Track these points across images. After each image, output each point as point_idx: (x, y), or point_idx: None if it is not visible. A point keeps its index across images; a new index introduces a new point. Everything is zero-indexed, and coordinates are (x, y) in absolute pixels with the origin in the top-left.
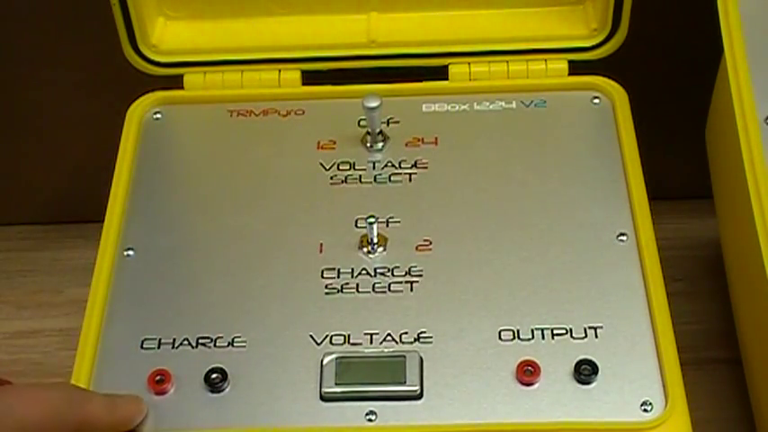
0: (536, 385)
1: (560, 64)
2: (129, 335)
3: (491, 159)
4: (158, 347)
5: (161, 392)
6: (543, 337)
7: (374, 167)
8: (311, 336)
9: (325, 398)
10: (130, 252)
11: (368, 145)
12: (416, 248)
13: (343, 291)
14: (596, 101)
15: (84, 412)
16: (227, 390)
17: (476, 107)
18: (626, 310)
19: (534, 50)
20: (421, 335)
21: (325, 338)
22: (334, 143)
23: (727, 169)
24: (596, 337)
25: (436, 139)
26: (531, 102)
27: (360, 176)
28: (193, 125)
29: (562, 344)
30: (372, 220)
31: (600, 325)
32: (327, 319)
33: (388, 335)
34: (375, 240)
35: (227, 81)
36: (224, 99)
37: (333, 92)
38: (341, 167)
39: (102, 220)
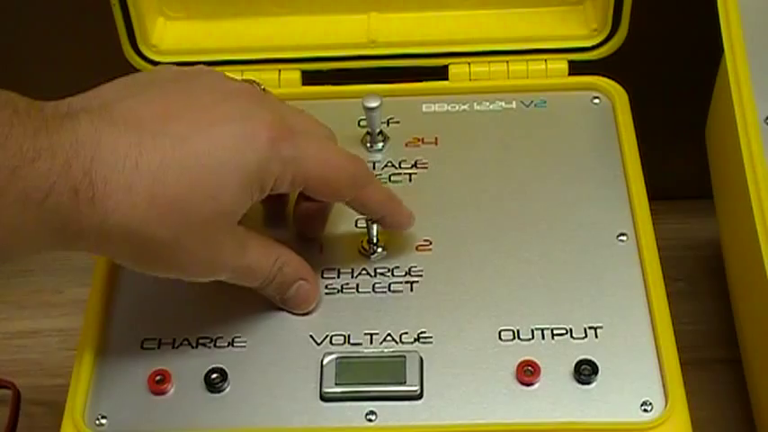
0: (536, 385)
1: (560, 64)
2: (129, 335)
3: (491, 159)
4: (158, 347)
5: (161, 392)
6: (543, 337)
7: (374, 167)
8: (311, 336)
9: (325, 398)
10: None
11: (368, 145)
12: (416, 248)
13: (343, 291)
14: (596, 101)
15: (361, 193)
16: (227, 390)
17: (476, 107)
18: (626, 310)
19: (534, 50)
20: (421, 335)
21: (325, 338)
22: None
23: (727, 169)
24: (596, 337)
25: (436, 139)
26: (531, 102)
27: None
28: None
29: (562, 344)
30: (371, 220)
31: (600, 325)
32: (327, 319)
33: (388, 335)
34: (375, 240)
35: None
36: None
37: (333, 92)
38: None
39: None
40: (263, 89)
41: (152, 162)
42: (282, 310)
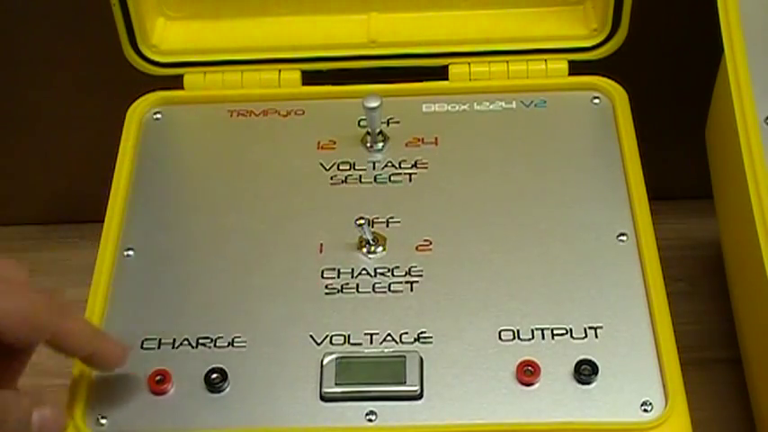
0: (536, 385)
1: (560, 64)
2: (129, 335)
3: (491, 159)
4: (158, 347)
5: (161, 392)
6: (543, 338)
7: (374, 167)
8: (311, 336)
9: (325, 398)
10: (130, 252)
11: (368, 145)
12: (416, 248)
13: (344, 291)
14: (596, 101)
15: (63, 325)
16: (227, 390)
17: (476, 107)
18: (626, 310)
19: (534, 50)
20: (421, 335)
21: (325, 338)
22: (334, 143)
23: (727, 169)
24: (596, 337)
25: (436, 139)
26: (531, 102)
27: (360, 176)
28: (193, 125)
29: (562, 344)
30: (362, 221)
31: (600, 325)
32: (327, 319)
33: (388, 335)
34: (370, 241)
35: (227, 81)
36: (224, 99)
37: (333, 92)
38: (341, 167)
39: (102, 220)
40: None
41: None
42: (282, 310)
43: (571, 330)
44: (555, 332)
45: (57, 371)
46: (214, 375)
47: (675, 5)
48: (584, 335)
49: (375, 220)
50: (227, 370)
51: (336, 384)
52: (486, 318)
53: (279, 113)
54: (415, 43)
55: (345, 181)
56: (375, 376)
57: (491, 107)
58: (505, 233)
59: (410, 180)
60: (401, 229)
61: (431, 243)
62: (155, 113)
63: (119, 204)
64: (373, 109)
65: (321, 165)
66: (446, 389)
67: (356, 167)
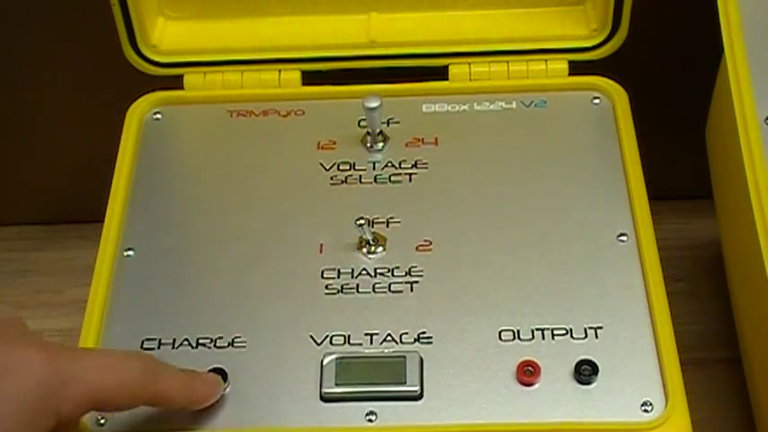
0: (536, 385)
1: (560, 64)
2: (129, 335)
3: (491, 159)
4: (158, 347)
5: None
6: (543, 338)
7: (374, 168)
8: (311, 336)
9: (325, 398)
10: (130, 252)
11: (368, 145)
12: (416, 248)
13: (344, 291)
14: (596, 101)
15: (159, 388)
16: (226, 390)
17: (476, 107)
18: (626, 310)
19: (534, 51)
20: (421, 335)
21: (325, 339)
22: (335, 143)
23: (727, 169)
24: (596, 337)
25: (436, 139)
26: (531, 102)
27: (360, 177)
28: (193, 125)
29: (562, 344)
30: (362, 222)
31: (600, 325)
32: (327, 320)
33: (389, 335)
34: (370, 241)
35: (227, 81)
36: (224, 99)
37: (333, 92)
38: (341, 168)
39: (102, 220)
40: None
41: None
42: (282, 310)
43: (571, 330)
44: (555, 332)
45: None
46: None
47: (675, 5)
48: (584, 335)
49: (375, 220)
50: (227, 370)
51: (336, 384)
52: (486, 318)
53: (279, 113)
54: (415, 43)
55: (345, 181)
56: (375, 376)
57: (491, 107)
58: (505, 233)
59: (410, 180)
60: (401, 229)
61: (431, 243)
62: (155, 113)
63: (119, 204)
64: (373, 109)
65: (321, 165)
66: (446, 389)
67: (356, 167)
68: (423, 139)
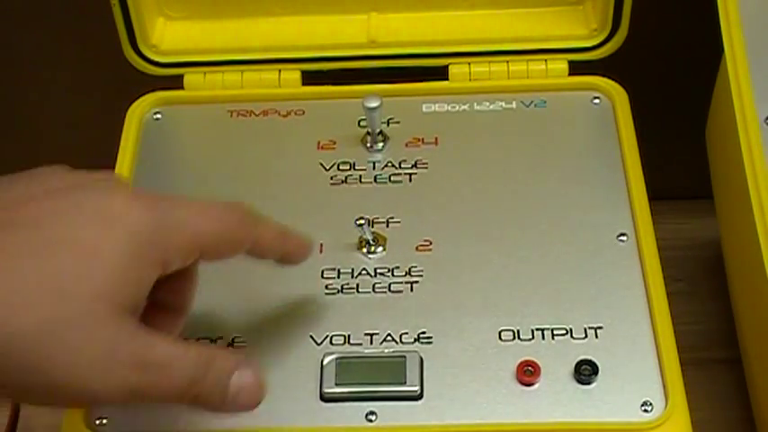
0: (536, 385)
1: (560, 64)
2: None
3: (491, 159)
4: None
5: None
6: (543, 338)
7: (374, 168)
8: (311, 336)
9: (325, 398)
10: None
11: (368, 145)
12: (416, 248)
13: (344, 291)
14: (596, 101)
15: (257, 234)
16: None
17: (476, 107)
18: (626, 310)
19: (534, 50)
20: (421, 335)
21: (325, 339)
22: (334, 143)
23: (727, 169)
24: (596, 337)
25: (436, 139)
26: (531, 102)
27: (360, 177)
28: (193, 125)
29: (562, 344)
30: (362, 221)
31: (600, 325)
32: (327, 320)
33: (389, 335)
34: (370, 241)
35: (227, 81)
36: (224, 99)
37: (333, 92)
38: (341, 168)
39: None
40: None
41: (11, 253)
42: (282, 310)
43: (571, 330)
44: (555, 332)
45: None
46: None
47: (675, 5)
48: (584, 335)
49: (375, 220)
50: None
51: (336, 384)
52: (486, 318)
53: (279, 113)
54: (415, 43)
55: (345, 181)
56: (375, 376)
57: (491, 107)
58: (505, 233)
59: (410, 180)
60: (401, 229)
61: (431, 243)
62: (155, 113)
63: None
64: (373, 109)
65: (321, 165)
66: (446, 389)
67: (356, 167)
68: (423, 139)
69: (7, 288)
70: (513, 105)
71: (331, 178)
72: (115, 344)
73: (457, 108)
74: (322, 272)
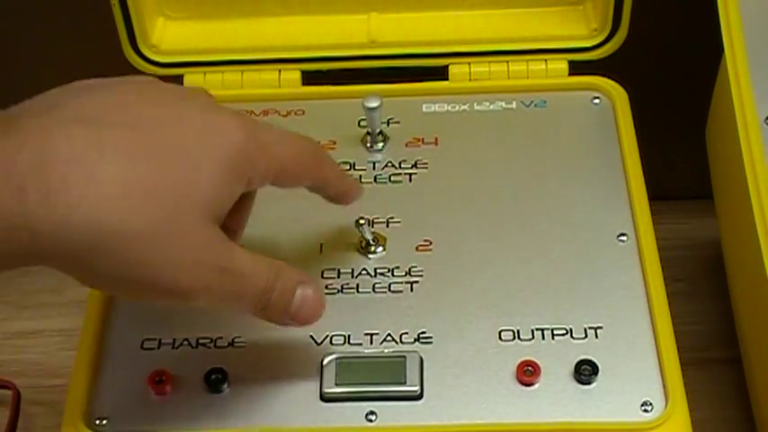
0: (536, 385)
1: (560, 64)
2: (129, 335)
3: (491, 159)
4: (158, 347)
5: (161, 393)
6: (543, 338)
7: (374, 168)
8: (311, 336)
9: (325, 398)
10: None
11: (368, 145)
12: (416, 248)
13: (343, 291)
14: (596, 101)
15: (323, 170)
16: (227, 390)
17: (476, 107)
18: (626, 310)
19: (534, 50)
20: (421, 335)
21: (325, 339)
22: (335, 143)
23: (727, 169)
24: (596, 337)
25: (436, 139)
26: (531, 102)
27: (360, 176)
28: None
29: (562, 344)
30: (362, 221)
31: (600, 325)
32: (327, 320)
33: (389, 335)
34: (370, 241)
35: (227, 81)
36: (224, 99)
37: (333, 92)
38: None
39: None
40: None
41: (117, 151)
42: None
43: (571, 330)
44: (555, 332)
45: (57, 371)
46: (214, 375)
47: (675, 5)
48: (584, 335)
49: (375, 220)
50: (227, 370)
51: (336, 384)
52: (486, 318)
53: (279, 113)
54: (415, 43)
55: None
56: (375, 376)
57: (491, 107)
58: (505, 233)
59: (410, 180)
60: (401, 229)
61: (431, 243)
62: None
63: None
64: (373, 109)
65: None
66: (446, 389)
67: (356, 167)
68: (423, 139)
69: (124, 187)
70: (513, 105)
71: None
72: (206, 249)
73: (457, 108)
74: (322, 272)
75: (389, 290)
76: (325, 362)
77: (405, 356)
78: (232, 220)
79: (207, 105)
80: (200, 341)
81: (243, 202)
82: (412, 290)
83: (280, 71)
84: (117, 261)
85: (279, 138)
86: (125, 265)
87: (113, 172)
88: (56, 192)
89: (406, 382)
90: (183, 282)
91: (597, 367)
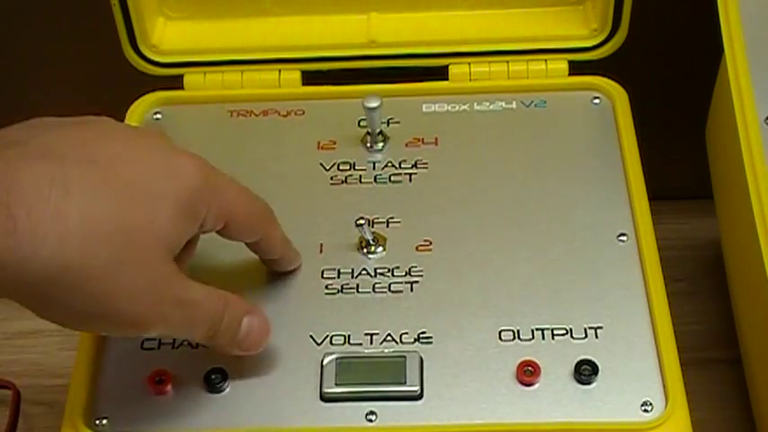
0: (536, 385)
1: (560, 64)
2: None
3: (491, 159)
4: (158, 347)
5: (161, 393)
6: (543, 338)
7: (374, 168)
8: (311, 336)
9: (325, 398)
10: None
11: (368, 145)
12: (416, 248)
13: (344, 291)
14: (596, 101)
15: (271, 229)
16: (226, 390)
17: (476, 107)
18: (626, 310)
19: (534, 50)
20: (421, 335)
21: (325, 339)
22: (335, 143)
23: (727, 169)
24: (596, 337)
25: (436, 139)
26: (531, 102)
27: (360, 177)
28: (193, 125)
29: (562, 344)
30: (362, 222)
31: (600, 325)
32: (327, 320)
33: (389, 335)
34: (370, 241)
35: (227, 81)
36: (224, 99)
37: (333, 92)
38: (341, 168)
39: None
40: None
41: (81, 187)
42: (282, 310)
43: (571, 330)
44: (555, 332)
45: (57, 371)
46: (214, 375)
47: (675, 5)
48: (584, 335)
49: (375, 220)
50: (227, 370)
51: (336, 384)
52: (486, 318)
53: (279, 113)
54: (415, 43)
55: (345, 181)
56: (375, 376)
57: (491, 107)
58: (505, 233)
59: (410, 180)
60: (401, 229)
61: (431, 243)
62: (155, 113)
63: None
64: (373, 109)
65: (321, 165)
66: (446, 389)
67: (356, 167)
68: (423, 139)
69: (89, 224)
70: (513, 105)
71: (331, 178)
72: (164, 282)
73: (457, 108)
74: (322, 272)
75: (389, 290)
76: (325, 362)
77: (405, 356)
78: (179, 257)
79: (164, 144)
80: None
81: (191, 242)
82: (412, 290)
83: (280, 71)
84: (78, 295)
85: (234, 187)
86: (86, 299)
87: (78, 208)
88: (22, 229)
89: (406, 382)
90: (141, 314)
91: (597, 367)
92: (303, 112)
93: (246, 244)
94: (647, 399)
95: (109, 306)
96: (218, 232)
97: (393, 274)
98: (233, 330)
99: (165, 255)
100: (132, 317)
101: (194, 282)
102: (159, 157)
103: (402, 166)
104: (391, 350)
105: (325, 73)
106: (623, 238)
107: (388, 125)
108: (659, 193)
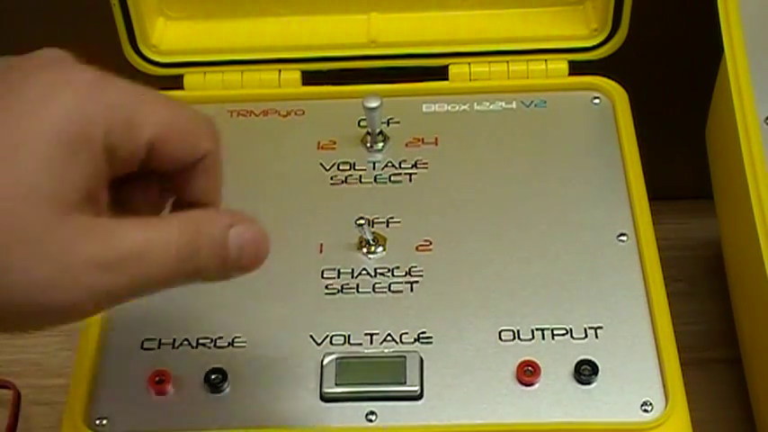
0: (536, 385)
1: (560, 64)
2: (129, 335)
3: (491, 159)
4: (158, 347)
5: (161, 393)
6: (543, 338)
7: (374, 168)
8: (311, 336)
9: (325, 398)
10: None
11: (368, 145)
12: (416, 248)
13: (344, 291)
14: (596, 101)
15: (214, 145)
16: (227, 390)
17: (476, 107)
18: (626, 310)
19: (534, 50)
20: (421, 335)
21: (325, 338)
22: (335, 143)
23: (727, 169)
24: (596, 337)
25: (436, 139)
26: (532, 102)
27: (360, 177)
28: None
29: (562, 344)
30: (362, 222)
31: (600, 325)
32: (327, 320)
33: (389, 335)
34: (370, 241)
35: (227, 81)
36: (224, 99)
37: (333, 92)
38: (341, 168)
39: None
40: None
41: None
42: (282, 310)
43: (571, 330)
44: (555, 332)
45: (57, 371)
46: (214, 375)
47: (675, 5)
48: (584, 335)
49: (375, 220)
50: (227, 370)
51: (336, 384)
52: (486, 318)
53: (279, 113)
54: (415, 43)
55: (345, 181)
56: (375, 376)
57: (491, 107)
58: (505, 233)
59: (410, 180)
60: (401, 229)
61: (431, 243)
62: None
63: None
64: (373, 109)
65: (321, 165)
66: (446, 389)
67: (356, 167)
68: (423, 139)
69: None
70: (513, 105)
71: (331, 178)
72: (70, 247)
73: (457, 108)
74: (322, 272)
75: (389, 290)
76: (325, 362)
77: (405, 356)
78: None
79: (64, 64)
80: (200, 341)
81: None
82: (412, 290)
83: (280, 71)
84: None
85: (156, 95)
86: None
87: None
88: None
89: (406, 382)
90: (58, 295)
91: (597, 367)
92: (303, 112)
93: (177, 184)
94: (647, 399)
95: (10, 297)
96: (149, 165)
97: (393, 274)
98: (221, 257)
99: (55, 214)
100: (45, 303)
101: (134, 223)
102: (35, 76)
103: (402, 166)
104: (391, 350)
105: (325, 73)
106: (623, 238)
107: (388, 125)
108: (659, 193)
